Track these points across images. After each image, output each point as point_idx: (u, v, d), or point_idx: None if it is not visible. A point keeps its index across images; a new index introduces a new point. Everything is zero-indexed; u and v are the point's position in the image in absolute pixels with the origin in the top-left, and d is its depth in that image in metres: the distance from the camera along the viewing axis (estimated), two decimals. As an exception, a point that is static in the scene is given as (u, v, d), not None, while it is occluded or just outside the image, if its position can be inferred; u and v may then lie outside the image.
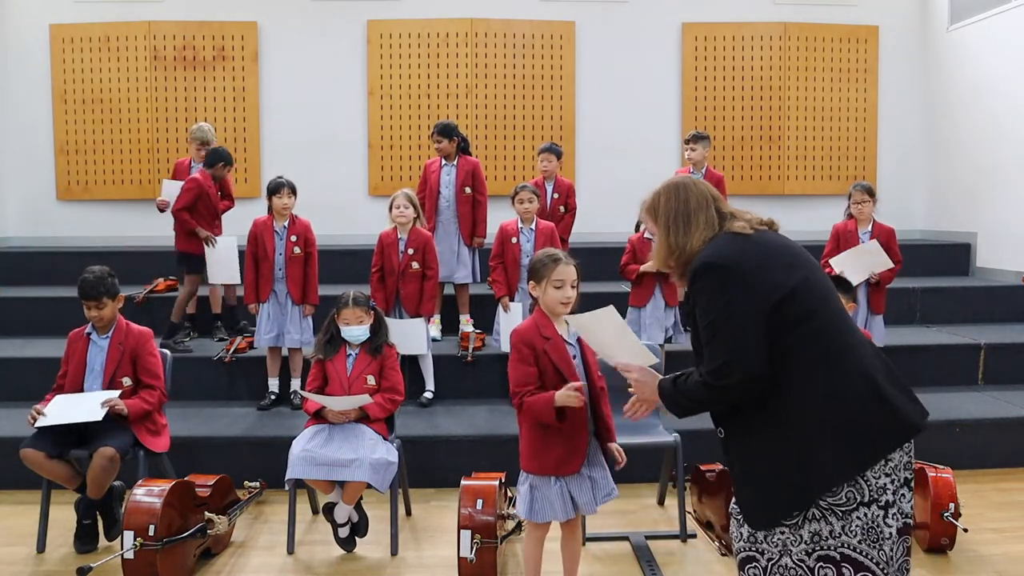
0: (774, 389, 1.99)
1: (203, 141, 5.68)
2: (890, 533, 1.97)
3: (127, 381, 3.76)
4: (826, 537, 1.97)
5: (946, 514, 3.54)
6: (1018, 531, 3.90)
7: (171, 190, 5.62)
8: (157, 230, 6.92)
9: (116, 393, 3.67)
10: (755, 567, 2.07)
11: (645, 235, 5.13)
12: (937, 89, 7.98)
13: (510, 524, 3.62)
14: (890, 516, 1.97)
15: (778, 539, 2.01)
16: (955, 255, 7.46)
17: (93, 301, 3.72)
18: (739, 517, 2.12)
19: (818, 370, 1.98)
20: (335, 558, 3.68)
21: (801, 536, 1.98)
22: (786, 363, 1.98)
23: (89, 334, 3.83)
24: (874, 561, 1.96)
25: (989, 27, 7.13)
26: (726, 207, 2.18)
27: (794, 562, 2.00)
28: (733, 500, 2.16)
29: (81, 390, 3.77)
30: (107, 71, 7.78)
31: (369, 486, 3.55)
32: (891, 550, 1.97)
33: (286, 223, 5.01)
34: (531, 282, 2.99)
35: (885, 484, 1.97)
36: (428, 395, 5.12)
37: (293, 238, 4.99)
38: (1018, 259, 6.80)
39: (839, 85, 8.16)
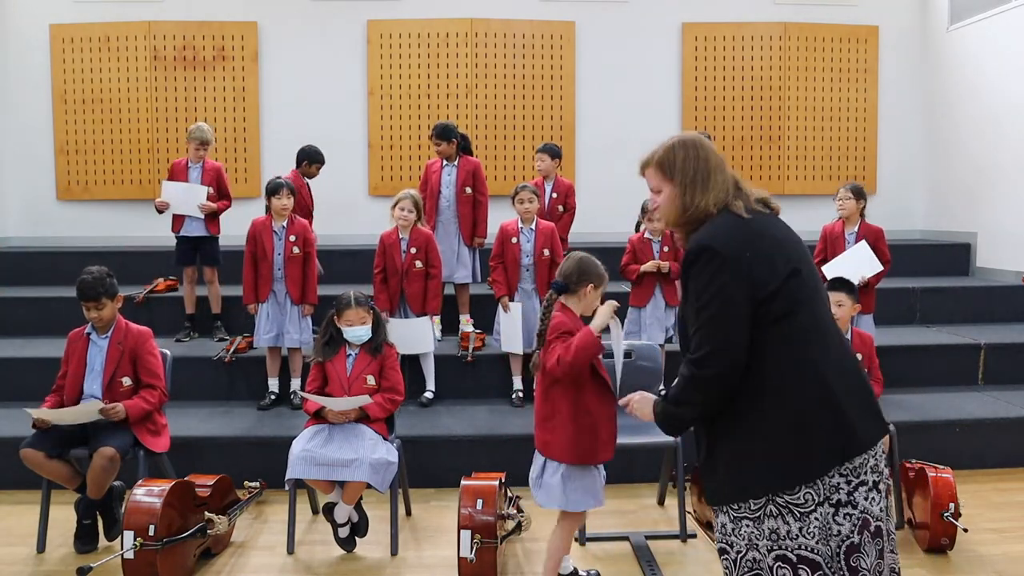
0: (744, 382, 1.99)
1: (202, 141, 5.67)
2: (838, 531, 1.95)
3: (127, 381, 3.76)
4: (783, 537, 1.96)
5: (946, 514, 3.54)
6: (1018, 531, 3.90)
7: (171, 192, 5.61)
8: (157, 230, 6.91)
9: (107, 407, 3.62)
10: (726, 559, 2.07)
11: (645, 235, 5.14)
12: (937, 89, 7.98)
13: (510, 524, 3.62)
14: (841, 515, 1.95)
15: (745, 532, 2.01)
16: (955, 255, 7.46)
17: (92, 302, 3.72)
18: (714, 506, 2.12)
19: (781, 372, 1.97)
20: (335, 558, 3.68)
21: (763, 531, 1.98)
22: (757, 358, 1.97)
23: (89, 334, 3.82)
24: (824, 559, 1.95)
25: (989, 27, 7.13)
26: (733, 173, 2.16)
27: (760, 554, 1.99)
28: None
29: (81, 390, 3.77)
30: (107, 71, 7.78)
31: (369, 486, 3.55)
32: (836, 547, 1.95)
33: (284, 223, 5.01)
34: (589, 284, 3.06)
35: (839, 483, 1.95)
36: (428, 395, 5.13)
37: (292, 238, 4.99)
38: (1018, 259, 6.79)
39: (839, 85, 8.16)
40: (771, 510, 1.96)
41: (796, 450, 1.94)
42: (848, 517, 1.95)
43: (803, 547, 1.94)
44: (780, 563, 1.96)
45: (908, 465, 3.92)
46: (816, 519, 1.94)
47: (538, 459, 3.13)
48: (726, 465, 2.03)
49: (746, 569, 2.02)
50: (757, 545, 1.99)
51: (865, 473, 1.98)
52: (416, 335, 4.90)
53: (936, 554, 3.63)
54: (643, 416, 2.27)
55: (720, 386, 1.98)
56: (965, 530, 3.57)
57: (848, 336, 4.14)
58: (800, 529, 1.94)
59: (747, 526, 2.00)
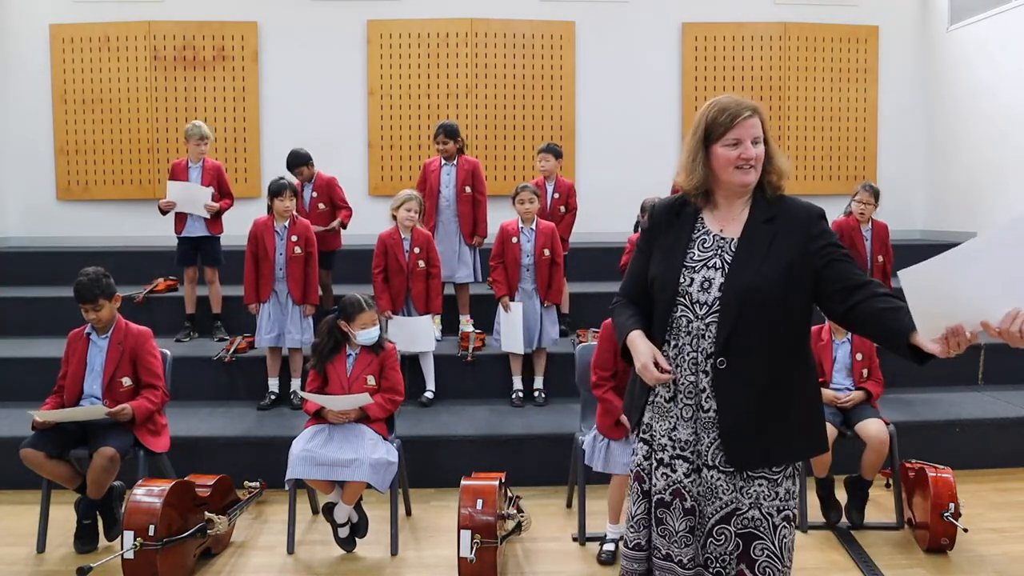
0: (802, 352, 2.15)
1: (202, 136, 5.68)
2: None
3: (127, 381, 3.76)
4: (793, 496, 2.09)
5: (946, 514, 3.54)
6: (1018, 531, 3.90)
7: (175, 192, 5.61)
8: (157, 230, 6.92)
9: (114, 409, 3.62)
10: (725, 526, 2.09)
11: (645, 235, 5.13)
12: (937, 89, 7.97)
13: (510, 524, 3.62)
14: None
15: (755, 490, 2.06)
16: (955, 255, 7.45)
17: (89, 304, 3.71)
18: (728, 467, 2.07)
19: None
20: (335, 558, 3.68)
21: (777, 492, 2.06)
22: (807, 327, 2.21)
23: (89, 334, 3.82)
24: None
25: (989, 27, 7.13)
26: None
27: (762, 515, 2.06)
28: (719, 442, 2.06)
29: (81, 390, 3.77)
30: (107, 71, 7.78)
31: (369, 486, 3.55)
32: None
33: (286, 223, 5.01)
34: None
35: None
36: (429, 395, 5.13)
37: (294, 238, 4.99)
38: (1018, 259, 6.78)
39: (839, 85, 8.17)
40: (790, 471, 2.09)
41: (823, 419, 2.15)
42: None
43: (796, 507, 2.12)
44: (785, 523, 2.07)
45: (908, 465, 3.92)
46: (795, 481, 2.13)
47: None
48: (787, 428, 2.06)
49: (741, 526, 2.06)
50: (762, 504, 2.05)
51: None
52: (418, 334, 4.91)
53: (936, 554, 3.63)
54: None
55: None
56: (965, 530, 3.57)
57: (849, 336, 4.14)
58: (795, 491, 2.10)
59: (760, 486, 2.06)
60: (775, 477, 2.06)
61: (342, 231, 5.91)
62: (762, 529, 2.05)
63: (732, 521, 2.07)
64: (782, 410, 2.05)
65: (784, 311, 2.03)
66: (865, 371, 4.10)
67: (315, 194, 5.78)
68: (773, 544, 2.05)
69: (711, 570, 2.08)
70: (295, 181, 5.33)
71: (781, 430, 2.05)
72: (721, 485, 2.07)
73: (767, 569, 2.05)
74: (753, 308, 2.01)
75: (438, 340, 5.38)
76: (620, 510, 3.58)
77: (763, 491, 2.05)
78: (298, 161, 5.70)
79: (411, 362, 5.11)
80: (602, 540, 3.69)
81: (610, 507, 3.65)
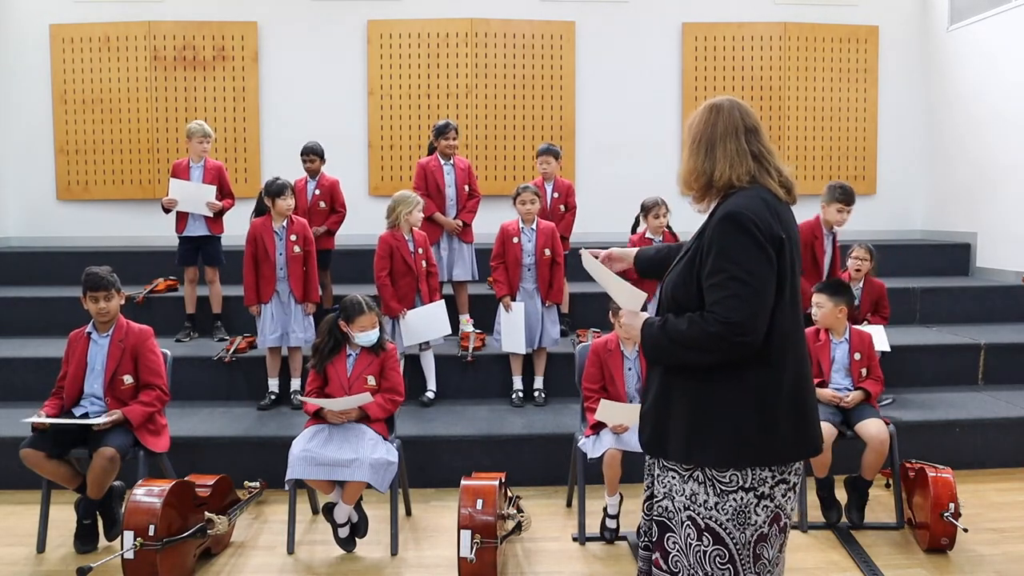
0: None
1: (205, 134, 5.68)
2: (755, 520, 2.03)
3: (128, 379, 3.76)
4: (699, 504, 2.04)
5: (946, 514, 3.54)
6: (1018, 531, 3.90)
7: (178, 190, 5.60)
8: (157, 230, 6.92)
9: (106, 419, 3.62)
10: (649, 503, 2.21)
11: (646, 235, 5.14)
12: (937, 89, 7.97)
13: (510, 524, 3.62)
14: (760, 506, 2.03)
15: (668, 482, 2.10)
16: (955, 255, 7.46)
17: (103, 291, 3.73)
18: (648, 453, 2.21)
19: (768, 357, 1.99)
20: (335, 558, 3.68)
21: (684, 490, 2.07)
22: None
23: (90, 333, 3.83)
24: (733, 540, 2.02)
25: (989, 27, 7.13)
26: (759, 145, 2.09)
27: (674, 508, 2.09)
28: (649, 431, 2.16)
29: (82, 390, 3.78)
30: (107, 71, 7.78)
31: (369, 486, 3.55)
32: (751, 535, 2.03)
33: (285, 223, 5.01)
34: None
35: (765, 477, 2.03)
36: (429, 395, 5.12)
37: (293, 237, 4.99)
38: (1018, 259, 6.79)
39: (839, 85, 8.16)
40: (697, 475, 2.05)
41: (745, 437, 1.99)
42: (765, 508, 2.04)
43: (713, 519, 2.03)
44: (688, 523, 2.06)
45: (908, 465, 3.93)
46: (734, 501, 2.02)
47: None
48: (677, 426, 2.05)
49: (657, 512, 2.14)
50: (674, 498, 2.09)
51: (790, 474, 2.07)
52: (433, 319, 4.93)
53: (936, 554, 3.64)
54: (628, 333, 2.24)
55: (738, 355, 1.95)
56: (965, 530, 3.58)
57: (847, 336, 4.14)
58: (716, 504, 2.03)
59: (672, 478, 2.10)
60: (683, 473, 2.06)
61: (336, 231, 5.95)
62: (674, 522, 2.09)
63: (653, 507, 2.16)
64: (676, 405, 2.05)
65: (679, 313, 2.05)
66: (864, 370, 4.10)
67: (318, 191, 5.81)
68: (681, 539, 2.07)
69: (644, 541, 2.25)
70: (292, 181, 5.32)
71: (676, 425, 2.05)
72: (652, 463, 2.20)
73: (678, 563, 2.09)
74: (666, 305, 2.15)
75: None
76: (616, 483, 3.74)
77: (675, 484, 2.08)
78: (316, 151, 5.78)
79: (411, 362, 5.12)
80: (604, 511, 3.82)
81: (607, 482, 3.76)
